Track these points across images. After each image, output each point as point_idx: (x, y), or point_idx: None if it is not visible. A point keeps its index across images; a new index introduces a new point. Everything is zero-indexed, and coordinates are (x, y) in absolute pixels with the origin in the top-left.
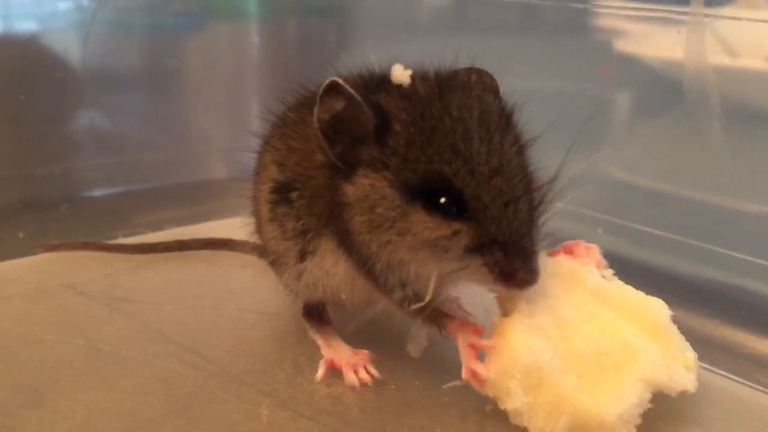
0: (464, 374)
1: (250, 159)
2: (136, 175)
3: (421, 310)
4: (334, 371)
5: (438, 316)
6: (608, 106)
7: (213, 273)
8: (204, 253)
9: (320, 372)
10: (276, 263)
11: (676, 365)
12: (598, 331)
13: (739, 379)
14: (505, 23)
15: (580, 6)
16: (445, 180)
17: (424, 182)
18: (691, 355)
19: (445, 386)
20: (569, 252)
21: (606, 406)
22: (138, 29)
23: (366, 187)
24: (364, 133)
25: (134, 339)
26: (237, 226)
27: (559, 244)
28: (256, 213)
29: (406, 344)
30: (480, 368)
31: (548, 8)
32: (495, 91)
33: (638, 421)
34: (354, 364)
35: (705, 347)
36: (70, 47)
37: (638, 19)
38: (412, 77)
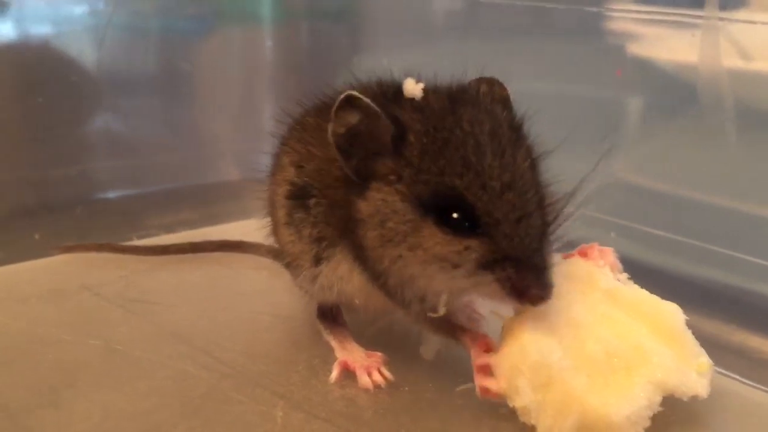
0: (478, 392)
1: (264, 161)
2: (150, 178)
3: (435, 323)
4: (348, 373)
5: (452, 328)
6: (622, 110)
7: (226, 275)
8: (217, 255)
9: (334, 374)
10: (291, 265)
11: (689, 370)
12: (610, 333)
13: (755, 384)
14: (517, 27)
15: (593, 9)
16: (456, 194)
17: (436, 196)
18: (705, 360)
19: (458, 388)
20: (584, 255)
21: (614, 407)
22: (152, 33)
23: (378, 201)
24: (380, 145)
25: (149, 340)
26: (250, 229)
27: (573, 247)
28: (272, 215)
29: (419, 346)
30: (492, 384)
31: (561, 12)
32: (505, 100)
33: (647, 423)
34: (368, 367)
35: (719, 352)
36: (85, 51)
37: (652, 22)
38: (424, 90)
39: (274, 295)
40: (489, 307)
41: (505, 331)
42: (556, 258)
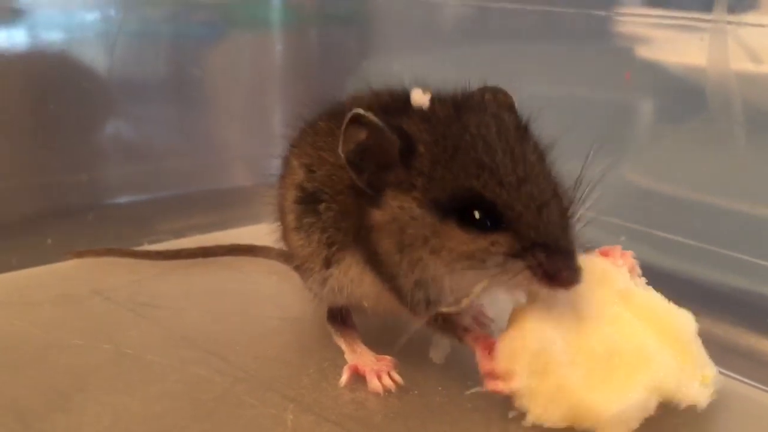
0: (486, 385)
1: (273, 166)
2: (161, 183)
3: (441, 324)
4: (358, 377)
5: (456, 329)
6: (631, 113)
7: (237, 279)
8: (228, 259)
9: (344, 377)
10: (301, 268)
11: (691, 379)
12: (615, 332)
13: (763, 387)
14: (526, 31)
15: (602, 13)
16: (475, 194)
17: (455, 199)
18: (710, 372)
19: (468, 392)
20: (605, 255)
21: (605, 403)
22: (163, 39)
23: (395, 209)
24: (389, 158)
25: (160, 344)
26: (260, 233)
27: (592, 250)
28: (281, 219)
29: (429, 350)
30: (500, 386)
31: (570, 16)
32: (510, 107)
33: (637, 424)
34: (378, 370)
35: (728, 355)
36: (96, 57)
37: (661, 25)
38: (431, 100)
39: (285, 298)
40: (502, 303)
41: (512, 317)
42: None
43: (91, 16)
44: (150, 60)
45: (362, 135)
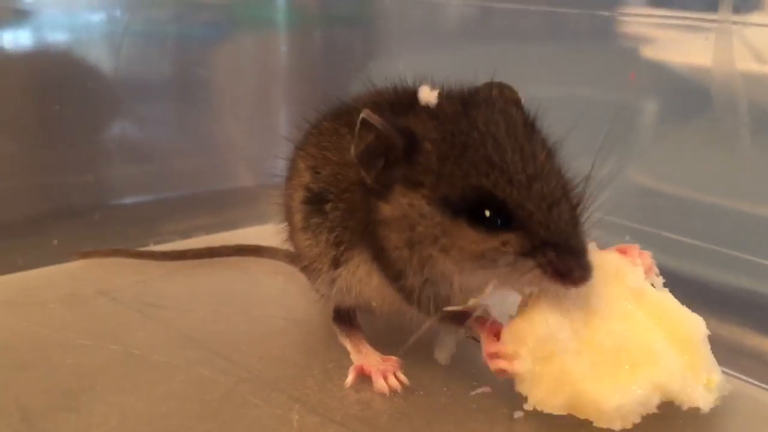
0: (490, 365)
1: (279, 167)
2: (166, 184)
3: (447, 315)
4: (363, 377)
5: (462, 318)
6: (635, 113)
7: (242, 279)
8: (233, 259)
9: (350, 378)
10: (309, 269)
11: (697, 382)
12: (624, 329)
13: None
14: (530, 32)
15: (606, 13)
16: (485, 193)
17: (465, 197)
18: (716, 377)
19: (473, 393)
20: (623, 252)
21: (607, 396)
22: (168, 40)
23: (404, 206)
24: (396, 157)
25: (166, 344)
26: (265, 234)
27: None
28: (288, 220)
29: (434, 351)
30: (504, 365)
31: (574, 16)
32: (517, 102)
33: (637, 419)
34: (383, 371)
35: (734, 355)
36: (101, 58)
37: (665, 26)
38: (438, 96)
39: (290, 299)
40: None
41: (521, 304)
42: (590, 246)
43: (96, 17)
44: (155, 60)
45: (371, 135)
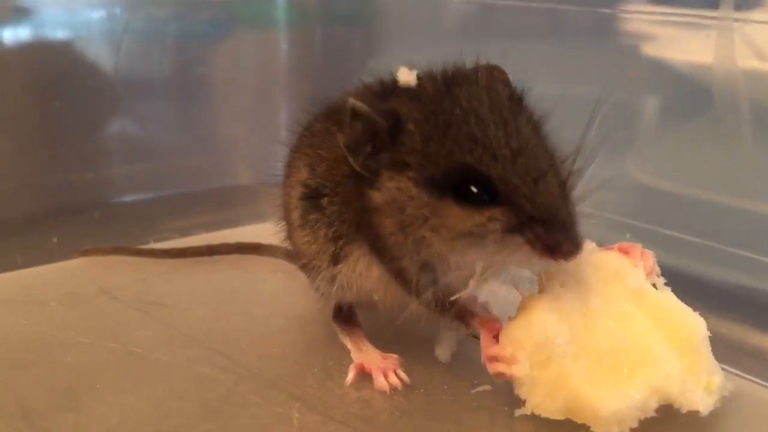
0: (488, 368)
1: (279, 165)
2: (166, 181)
3: (446, 310)
4: (363, 375)
5: (462, 315)
6: (636, 111)
7: (242, 278)
8: (233, 257)
9: (350, 376)
10: (308, 267)
11: (696, 384)
12: (623, 330)
13: None
14: (531, 29)
15: (607, 11)
16: (469, 169)
17: (449, 175)
18: (716, 379)
19: (474, 391)
20: (624, 252)
21: (604, 400)
22: (168, 37)
23: (393, 190)
24: (381, 141)
25: (166, 343)
26: (265, 232)
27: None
28: (286, 218)
29: (435, 349)
30: (503, 368)
31: (575, 13)
32: (505, 81)
33: (635, 423)
34: (384, 369)
35: (735, 353)
36: (102, 56)
37: (666, 23)
38: (419, 78)
39: (290, 297)
40: (506, 291)
41: (521, 306)
42: (590, 246)
43: (96, 15)
44: (155, 58)
45: (358, 123)
